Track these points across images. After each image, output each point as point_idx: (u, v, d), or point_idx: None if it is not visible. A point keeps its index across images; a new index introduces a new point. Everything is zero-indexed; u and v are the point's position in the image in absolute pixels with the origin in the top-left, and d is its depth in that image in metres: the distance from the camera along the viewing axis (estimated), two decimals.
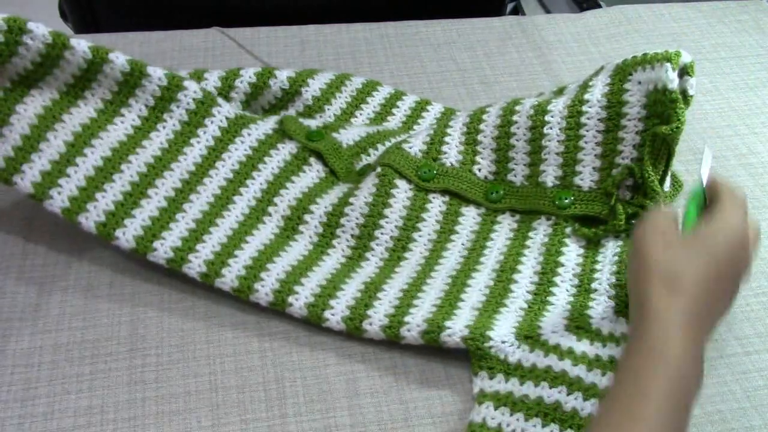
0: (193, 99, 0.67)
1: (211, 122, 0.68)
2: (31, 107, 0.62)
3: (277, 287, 0.60)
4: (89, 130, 0.64)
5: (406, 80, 0.87)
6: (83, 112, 0.64)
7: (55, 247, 0.66)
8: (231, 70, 0.76)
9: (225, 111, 0.69)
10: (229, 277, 0.60)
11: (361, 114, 0.79)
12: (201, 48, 0.91)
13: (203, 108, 0.68)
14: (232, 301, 0.62)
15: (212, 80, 0.74)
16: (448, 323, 0.56)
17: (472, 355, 0.56)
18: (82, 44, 0.63)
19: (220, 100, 0.69)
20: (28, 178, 0.61)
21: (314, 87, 0.77)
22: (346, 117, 0.78)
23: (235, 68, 0.76)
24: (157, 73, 0.66)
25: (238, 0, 1.06)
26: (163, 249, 0.61)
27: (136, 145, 0.65)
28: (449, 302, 0.59)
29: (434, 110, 0.81)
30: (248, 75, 0.75)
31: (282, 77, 0.76)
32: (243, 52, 0.90)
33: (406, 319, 0.57)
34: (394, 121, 0.79)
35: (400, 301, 0.59)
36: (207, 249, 0.62)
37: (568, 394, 0.53)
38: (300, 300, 0.59)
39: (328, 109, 0.77)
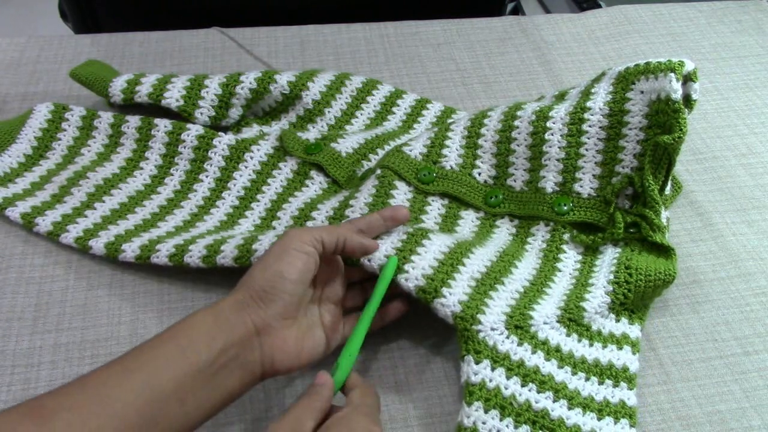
0: (196, 136, 0.71)
1: (214, 153, 0.71)
2: (65, 172, 0.71)
3: None
4: (110, 182, 0.70)
5: (406, 80, 0.87)
6: (107, 169, 0.71)
7: (55, 247, 0.66)
8: (231, 76, 0.76)
9: (226, 139, 0.71)
10: (229, 255, 0.59)
11: (361, 114, 0.79)
12: (201, 48, 0.91)
13: (204, 142, 0.71)
14: None
15: (213, 87, 0.75)
16: (445, 290, 0.55)
17: (460, 336, 0.54)
18: (106, 114, 0.74)
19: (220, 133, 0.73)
20: (49, 219, 0.66)
21: (314, 90, 0.77)
22: (346, 118, 0.78)
23: (235, 73, 0.76)
24: (163, 122, 0.73)
25: (238, 0, 1.06)
26: (165, 249, 0.62)
27: (152, 192, 0.70)
28: (451, 262, 0.58)
29: (434, 109, 0.81)
30: (249, 81, 0.75)
31: (282, 82, 0.76)
32: (243, 52, 0.90)
33: (406, 267, 0.56)
34: (394, 120, 0.79)
35: (399, 249, 0.58)
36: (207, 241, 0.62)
37: (555, 401, 0.53)
38: None
39: (329, 112, 0.77)
